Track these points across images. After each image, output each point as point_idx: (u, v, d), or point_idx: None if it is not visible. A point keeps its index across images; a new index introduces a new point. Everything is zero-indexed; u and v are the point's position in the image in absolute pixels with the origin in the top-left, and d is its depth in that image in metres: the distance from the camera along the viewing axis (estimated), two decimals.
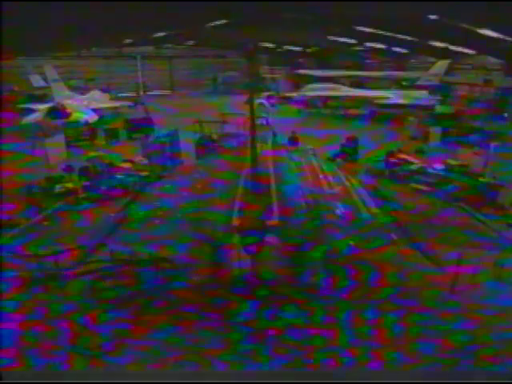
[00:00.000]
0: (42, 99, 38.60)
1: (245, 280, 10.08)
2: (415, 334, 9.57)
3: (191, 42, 59.14)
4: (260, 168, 10.12)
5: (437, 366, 8.74)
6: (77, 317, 10.07)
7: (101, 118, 32.57)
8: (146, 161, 21.47)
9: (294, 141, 24.05)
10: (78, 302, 10.65)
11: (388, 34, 37.25)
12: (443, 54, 41.97)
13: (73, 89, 39.84)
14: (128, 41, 47.33)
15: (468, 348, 9.20)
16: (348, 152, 23.12)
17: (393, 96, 39.65)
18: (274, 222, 9.14)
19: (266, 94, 46.00)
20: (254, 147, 9.71)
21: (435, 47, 40.65)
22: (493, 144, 20.59)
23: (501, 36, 29.79)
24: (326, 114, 42.08)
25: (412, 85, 44.95)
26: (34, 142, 24.32)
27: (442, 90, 41.24)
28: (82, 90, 41.94)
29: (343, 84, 46.05)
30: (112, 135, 30.59)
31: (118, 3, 18.06)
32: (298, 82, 53.21)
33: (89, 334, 9.58)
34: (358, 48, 52.28)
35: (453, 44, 39.34)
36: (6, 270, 11.31)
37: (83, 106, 33.12)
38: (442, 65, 42.04)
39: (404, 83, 48.74)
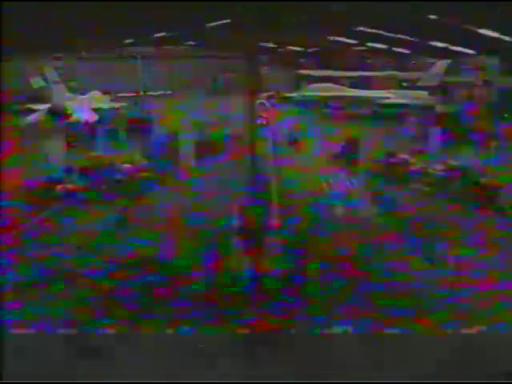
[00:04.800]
0: (42, 100, 38.57)
1: (245, 280, 10.08)
2: (415, 334, 9.56)
3: (192, 43, 59.09)
4: (260, 169, 10.14)
5: (436, 367, 8.73)
6: (77, 318, 10.06)
7: (101, 118, 32.53)
8: (145, 161, 21.45)
9: (293, 142, 24.07)
10: (78, 303, 10.63)
11: (388, 34, 37.26)
12: (443, 54, 41.96)
13: (73, 89, 39.83)
14: (128, 41, 47.37)
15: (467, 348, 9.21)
16: (348, 153, 23.07)
17: (393, 96, 39.65)
18: (274, 222, 9.16)
19: (267, 94, 46.07)
20: (254, 148, 9.74)
21: (435, 47, 40.64)
22: (493, 144, 20.58)
23: (501, 36, 29.79)
24: (326, 114, 42.07)
25: (412, 85, 44.95)
26: (34, 142, 24.34)
27: (443, 90, 41.22)
28: (82, 91, 41.92)
29: (343, 84, 46.03)
30: (112, 136, 30.54)
31: (119, 4, 18.08)
32: (299, 83, 53.21)
33: (89, 335, 9.57)
34: (358, 48, 52.27)
35: (453, 44, 39.34)
36: (6, 271, 11.31)
37: (83, 107, 33.08)
38: (442, 65, 42.03)
39: (404, 83, 48.71)
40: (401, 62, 56.15)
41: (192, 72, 66.55)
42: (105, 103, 38.86)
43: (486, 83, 44.60)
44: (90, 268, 11.93)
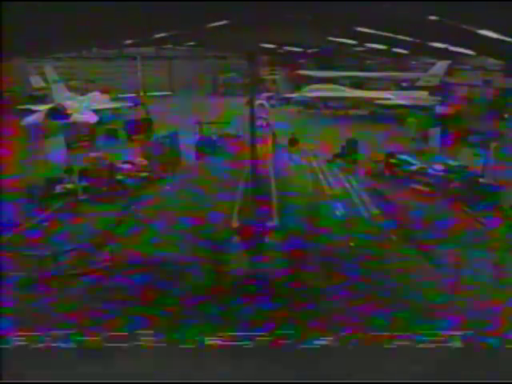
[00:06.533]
0: (42, 100, 38.58)
1: (245, 281, 10.08)
2: (415, 333, 9.56)
3: (191, 43, 59.10)
4: (260, 169, 10.14)
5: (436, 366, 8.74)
6: (77, 317, 10.07)
7: (101, 119, 32.54)
8: (145, 162, 21.45)
9: (294, 142, 24.05)
10: (79, 303, 10.63)
11: (388, 34, 37.23)
12: (443, 54, 42.00)
13: (73, 89, 39.84)
14: (128, 41, 47.32)
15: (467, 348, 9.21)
16: (348, 153, 23.09)
17: (393, 97, 39.65)
18: (273, 223, 9.16)
19: (266, 94, 46.06)
20: (254, 148, 9.74)
21: (435, 48, 40.65)
22: (493, 145, 20.58)
23: (501, 37, 29.78)
24: (326, 114, 42.09)
25: (412, 85, 44.99)
26: (35, 142, 24.36)
27: (442, 90, 41.25)
28: (82, 91, 41.94)
29: (343, 85, 46.06)
30: (112, 136, 30.55)
31: (119, 4, 18.05)
32: (299, 83, 53.22)
33: (89, 335, 9.57)
34: (358, 49, 52.28)
35: (453, 45, 39.34)
36: (6, 271, 11.31)
37: (83, 107, 33.10)
38: (441, 65, 42.06)
39: (404, 84, 48.76)
40: (400, 63, 56.16)
41: (192, 72, 66.56)
42: (105, 103, 38.89)
43: (486, 83, 44.67)
44: (91, 268, 11.92)
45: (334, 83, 45.58)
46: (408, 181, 19.47)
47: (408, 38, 38.62)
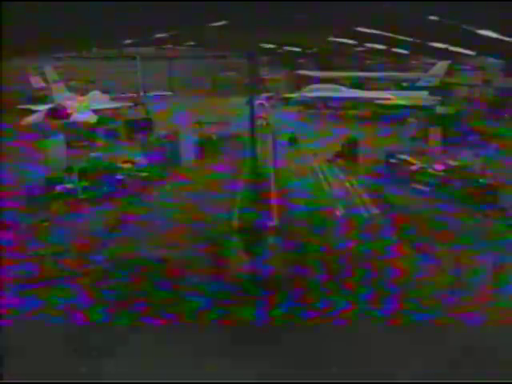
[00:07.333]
0: (42, 100, 38.58)
1: (245, 280, 10.09)
2: (414, 333, 9.57)
3: (191, 43, 59.13)
4: (260, 169, 10.15)
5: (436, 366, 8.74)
6: (76, 317, 10.06)
7: (101, 118, 32.53)
8: (145, 161, 21.44)
9: (293, 142, 24.07)
10: (78, 303, 10.63)
11: (388, 34, 37.25)
12: (443, 54, 42.04)
13: (73, 89, 39.85)
14: (128, 41, 47.36)
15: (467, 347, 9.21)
16: (348, 153, 23.09)
17: (393, 97, 39.68)
18: (273, 222, 9.17)
19: (266, 95, 46.11)
20: (254, 148, 9.76)
21: (435, 48, 40.69)
22: (493, 145, 20.57)
23: (501, 37, 29.80)
24: (326, 114, 42.11)
25: (412, 85, 45.02)
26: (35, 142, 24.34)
27: (442, 90, 41.29)
28: (83, 91, 41.94)
29: (343, 85, 46.09)
30: (112, 136, 30.54)
31: (119, 4, 18.08)
32: (299, 83, 53.24)
33: (89, 334, 9.57)
34: (358, 49, 52.30)
35: (453, 45, 39.37)
36: (6, 270, 11.30)
37: (83, 107, 33.10)
38: (442, 66, 42.10)
39: (404, 84, 48.80)
40: (401, 63, 56.18)
41: (192, 72, 66.54)
42: (105, 103, 38.88)
43: (486, 83, 44.70)
44: (91, 268, 11.92)
45: (334, 83, 45.59)
46: (408, 180, 19.46)
47: (408, 38, 38.63)
